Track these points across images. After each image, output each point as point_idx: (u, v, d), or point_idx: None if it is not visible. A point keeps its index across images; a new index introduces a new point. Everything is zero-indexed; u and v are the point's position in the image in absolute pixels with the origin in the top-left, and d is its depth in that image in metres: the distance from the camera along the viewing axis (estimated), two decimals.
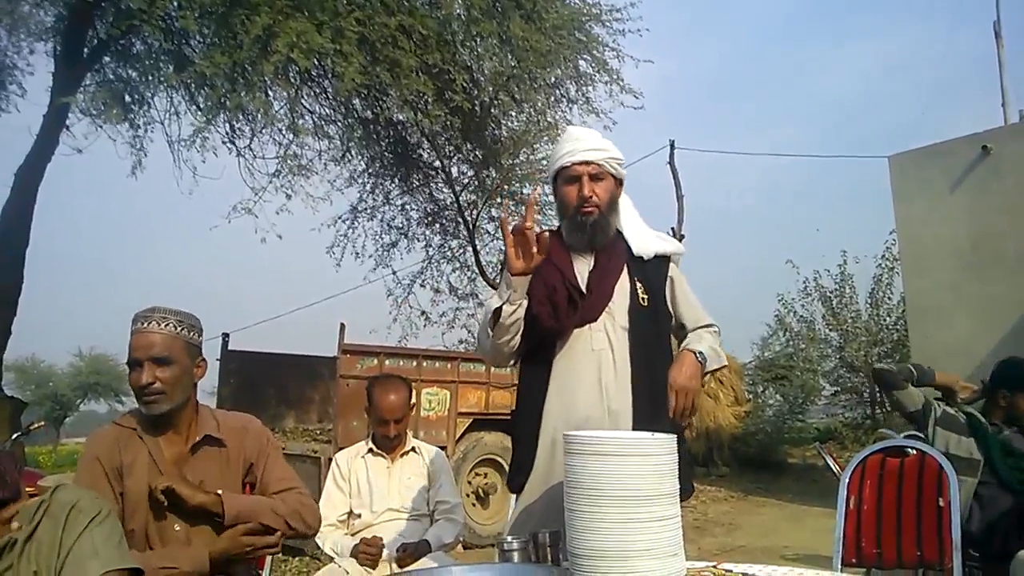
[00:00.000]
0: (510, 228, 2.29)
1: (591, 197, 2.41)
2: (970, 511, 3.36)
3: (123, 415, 2.40)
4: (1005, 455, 3.44)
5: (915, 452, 3.13)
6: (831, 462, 8.56)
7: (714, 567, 1.91)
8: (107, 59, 8.41)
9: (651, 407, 2.33)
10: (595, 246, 2.46)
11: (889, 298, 16.64)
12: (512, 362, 2.57)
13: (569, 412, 2.36)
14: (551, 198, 13.34)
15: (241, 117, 8.48)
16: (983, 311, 8.92)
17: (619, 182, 2.50)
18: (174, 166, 8.71)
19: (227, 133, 8.85)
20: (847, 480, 3.15)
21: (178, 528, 2.26)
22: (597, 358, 2.39)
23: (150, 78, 8.06)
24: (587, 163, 2.41)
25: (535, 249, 2.27)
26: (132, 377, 2.24)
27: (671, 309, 2.50)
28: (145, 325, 2.25)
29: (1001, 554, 3.06)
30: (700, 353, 2.32)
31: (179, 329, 2.28)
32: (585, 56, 9.27)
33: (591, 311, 2.41)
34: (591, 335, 2.41)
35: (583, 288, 2.42)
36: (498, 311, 2.35)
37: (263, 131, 8.75)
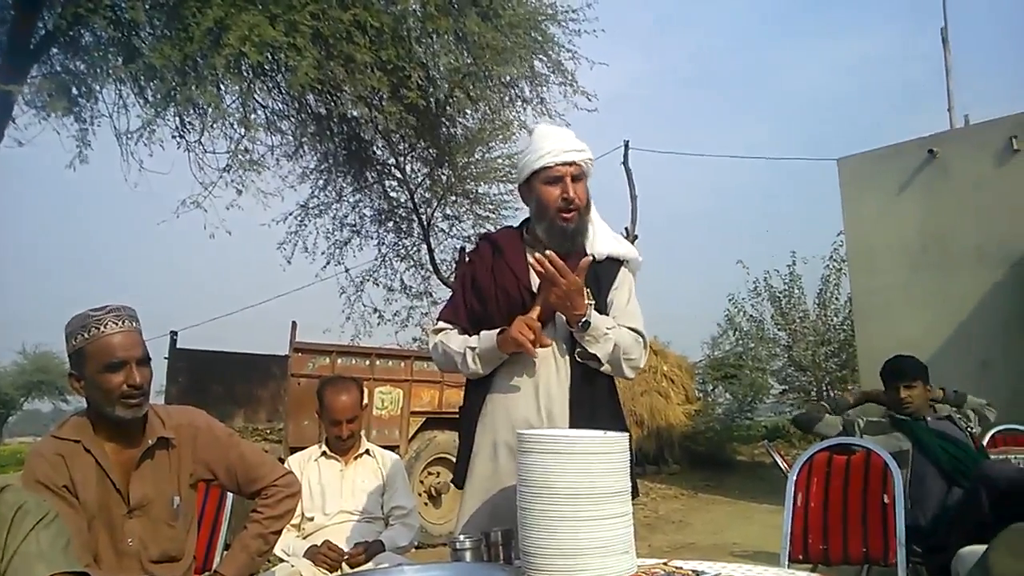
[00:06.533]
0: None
1: (575, 199, 2.35)
2: (910, 503, 3.44)
3: (60, 425, 2.27)
4: (934, 439, 3.55)
5: (861, 450, 3.19)
6: (779, 460, 8.69)
7: (664, 564, 1.92)
8: (54, 50, 8.20)
9: (588, 415, 2.31)
10: (573, 250, 2.37)
11: (836, 298, 16.97)
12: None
13: (509, 414, 2.35)
14: (506, 197, 13.34)
15: (191, 111, 8.33)
16: (929, 311, 9.15)
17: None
18: (121, 160, 8.53)
19: (176, 127, 8.68)
20: (795, 477, 3.20)
21: (131, 542, 2.21)
22: (538, 364, 2.37)
23: (98, 70, 7.88)
24: (570, 164, 2.36)
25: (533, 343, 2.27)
26: (112, 379, 2.12)
27: (607, 308, 2.42)
28: (120, 324, 2.15)
29: (943, 547, 3.13)
30: (590, 320, 2.27)
31: (139, 326, 2.23)
32: (541, 56, 9.29)
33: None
34: None
35: (535, 290, 2.38)
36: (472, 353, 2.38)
37: (213, 125, 8.58)
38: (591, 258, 2.33)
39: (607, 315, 2.39)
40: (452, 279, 12.29)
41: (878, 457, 3.09)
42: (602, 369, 2.35)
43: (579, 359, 2.34)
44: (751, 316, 17.95)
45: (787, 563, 3.04)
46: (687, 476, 13.86)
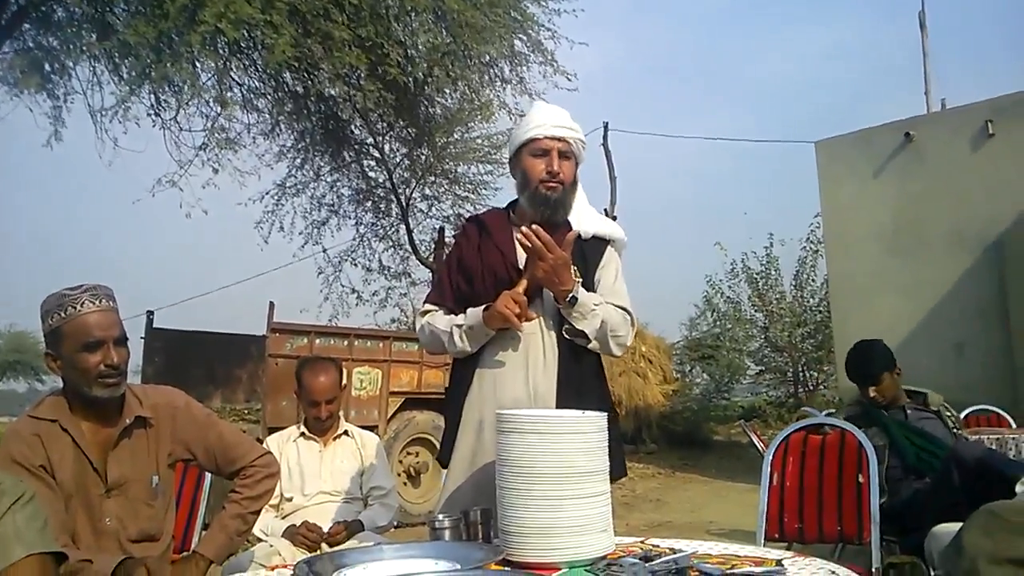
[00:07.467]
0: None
1: (559, 173, 2.36)
2: (886, 497, 3.46)
3: (36, 405, 2.26)
4: (909, 435, 3.56)
5: (835, 430, 3.22)
6: (755, 439, 8.80)
7: (642, 543, 1.93)
8: (27, 26, 8.07)
9: (576, 393, 2.32)
10: (552, 223, 2.37)
11: (813, 280, 17.13)
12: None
13: (497, 392, 2.35)
14: (485, 178, 13.30)
15: (166, 88, 8.23)
16: (904, 293, 9.24)
17: (577, 165, 2.48)
18: (96, 138, 8.44)
19: (152, 104, 8.59)
20: (770, 457, 3.22)
21: (110, 521, 2.20)
22: (526, 341, 2.37)
23: (71, 47, 7.77)
24: (559, 139, 2.38)
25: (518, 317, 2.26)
26: (90, 359, 2.11)
27: (594, 287, 2.43)
28: (97, 303, 2.14)
29: (916, 526, 3.16)
30: (577, 296, 2.27)
31: (116, 305, 2.21)
32: (520, 36, 9.25)
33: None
34: None
35: (522, 268, 2.38)
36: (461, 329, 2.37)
37: (189, 103, 8.51)
38: (577, 233, 2.34)
39: (594, 293, 2.39)
40: (431, 259, 12.26)
41: (852, 437, 3.12)
42: (590, 346, 2.35)
43: (567, 336, 2.35)
44: (728, 297, 18.10)
45: (763, 541, 3.07)
46: (664, 455, 13.95)
